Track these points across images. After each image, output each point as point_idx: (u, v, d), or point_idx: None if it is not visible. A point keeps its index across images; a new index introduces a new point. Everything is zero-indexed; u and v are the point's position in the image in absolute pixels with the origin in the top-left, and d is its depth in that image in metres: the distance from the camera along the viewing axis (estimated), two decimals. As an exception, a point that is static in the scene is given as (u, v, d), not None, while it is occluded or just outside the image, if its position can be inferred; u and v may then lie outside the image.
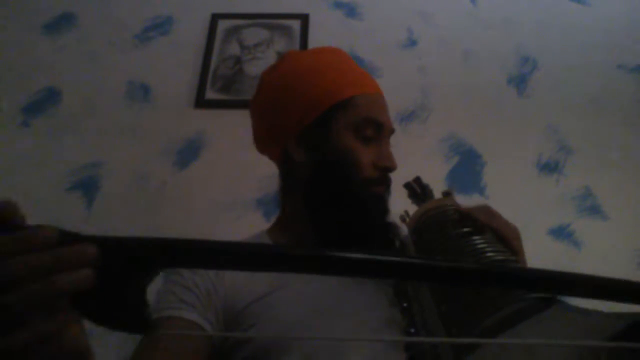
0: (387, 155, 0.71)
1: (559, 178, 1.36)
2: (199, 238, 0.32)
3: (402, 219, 0.65)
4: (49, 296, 0.30)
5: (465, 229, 0.56)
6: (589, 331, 0.34)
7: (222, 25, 1.59)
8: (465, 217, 0.58)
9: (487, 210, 0.61)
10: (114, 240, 0.32)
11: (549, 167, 1.37)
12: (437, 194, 0.68)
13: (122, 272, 0.32)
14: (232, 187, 1.33)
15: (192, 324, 0.60)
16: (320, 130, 0.71)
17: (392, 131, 0.75)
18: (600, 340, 0.32)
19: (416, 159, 1.35)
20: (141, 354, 0.58)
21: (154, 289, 0.70)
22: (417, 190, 0.66)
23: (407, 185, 0.68)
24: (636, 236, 1.27)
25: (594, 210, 1.31)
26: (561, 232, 1.28)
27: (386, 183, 0.71)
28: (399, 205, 0.68)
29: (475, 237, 0.54)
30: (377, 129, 0.70)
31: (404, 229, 0.67)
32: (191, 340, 0.60)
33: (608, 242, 1.26)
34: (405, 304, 0.60)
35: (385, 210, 0.70)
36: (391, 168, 0.70)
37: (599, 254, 1.24)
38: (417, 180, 0.68)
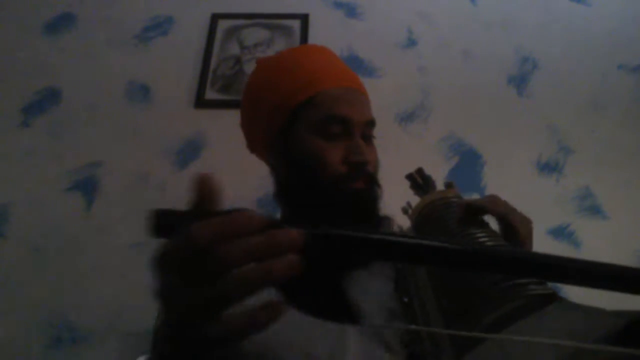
0: (356, 149, 0.67)
1: (559, 178, 1.36)
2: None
3: (404, 211, 0.65)
4: (264, 281, 0.29)
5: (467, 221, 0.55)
6: (588, 330, 0.34)
7: (222, 25, 1.59)
8: (475, 208, 0.56)
9: (495, 199, 0.59)
10: (320, 231, 0.32)
11: (549, 167, 1.37)
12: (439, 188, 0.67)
13: (323, 262, 0.32)
14: (232, 187, 1.33)
15: None
16: (287, 135, 0.70)
17: (368, 123, 0.71)
18: (599, 339, 0.32)
19: (416, 159, 1.35)
20: None
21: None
22: (419, 181, 0.66)
23: (409, 177, 0.67)
24: (636, 236, 1.27)
25: (594, 210, 1.31)
26: (561, 232, 1.28)
27: (364, 177, 0.68)
28: (403, 197, 0.68)
29: (476, 230, 0.54)
30: (343, 125, 0.68)
31: (407, 222, 0.66)
32: None
33: (608, 242, 1.26)
34: (405, 299, 0.60)
35: (367, 205, 0.68)
36: (362, 162, 0.66)
37: (599, 254, 1.24)
38: (419, 171, 0.68)
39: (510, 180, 1.34)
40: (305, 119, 0.68)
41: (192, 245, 0.29)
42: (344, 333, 0.58)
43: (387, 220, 0.71)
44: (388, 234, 0.32)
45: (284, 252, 0.30)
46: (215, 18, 1.60)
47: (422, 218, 0.60)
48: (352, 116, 0.68)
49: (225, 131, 1.38)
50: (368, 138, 0.71)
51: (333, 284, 0.31)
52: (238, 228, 0.30)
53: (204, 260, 0.29)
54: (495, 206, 0.57)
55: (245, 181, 1.30)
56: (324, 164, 0.66)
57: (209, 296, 0.29)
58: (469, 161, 1.38)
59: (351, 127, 0.68)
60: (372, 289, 0.63)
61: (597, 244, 1.26)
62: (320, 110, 0.68)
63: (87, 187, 1.35)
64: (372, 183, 0.69)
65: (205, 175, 0.32)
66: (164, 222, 0.32)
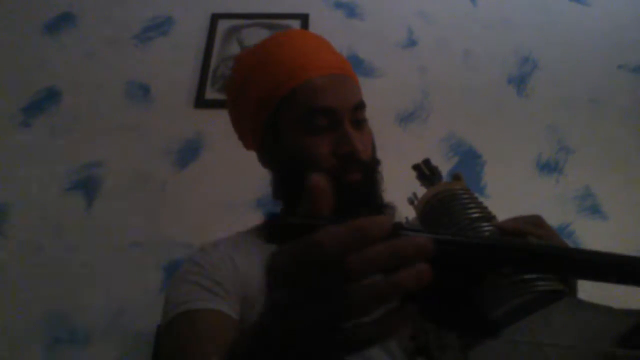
0: (345, 139, 0.62)
1: (559, 178, 1.36)
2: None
3: (410, 202, 0.63)
4: (393, 294, 0.26)
5: (474, 215, 0.55)
6: (597, 328, 0.34)
7: (222, 25, 1.59)
8: (510, 230, 0.51)
9: (536, 221, 0.53)
10: (449, 240, 0.30)
11: (549, 167, 1.37)
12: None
13: (453, 272, 0.29)
14: (232, 187, 1.33)
15: (225, 315, 0.59)
16: (273, 133, 0.67)
17: (356, 107, 0.66)
18: (609, 338, 0.31)
19: (416, 159, 1.35)
20: (185, 345, 0.56)
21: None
22: (426, 172, 0.64)
23: (416, 167, 0.66)
24: (636, 236, 1.27)
25: (594, 210, 1.31)
26: (561, 232, 1.27)
27: (358, 167, 0.63)
28: (403, 197, 0.67)
29: (484, 224, 0.53)
30: (329, 116, 0.63)
31: (412, 213, 0.65)
32: (228, 330, 0.57)
33: (608, 242, 1.26)
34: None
35: (364, 196, 0.64)
36: (351, 152, 0.62)
37: (599, 254, 1.24)
38: (426, 162, 0.66)
39: (510, 180, 1.34)
40: (289, 115, 0.65)
41: (320, 256, 0.26)
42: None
43: (390, 209, 0.68)
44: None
45: (411, 262, 0.27)
46: (215, 18, 1.60)
47: (428, 209, 0.59)
48: (336, 105, 0.63)
49: (225, 131, 1.36)
50: (359, 122, 0.66)
51: (463, 292, 0.29)
52: (367, 237, 0.27)
53: (332, 272, 0.26)
54: (537, 230, 0.51)
55: (245, 181, 1.30)
56: (312, 161, 0.62)
57: (335, 311, 0.26)
58: (469, 161, 1.38)
59: (337, 116, 0.63)
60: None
61: (597, 244, 1.26)
62: (303, 103, 0.63)
63: (87, 187, 1.35)
64: (368, 172, 0.65)
65: (319, 178, 0.29)
66: (285, 230, 0.29)
